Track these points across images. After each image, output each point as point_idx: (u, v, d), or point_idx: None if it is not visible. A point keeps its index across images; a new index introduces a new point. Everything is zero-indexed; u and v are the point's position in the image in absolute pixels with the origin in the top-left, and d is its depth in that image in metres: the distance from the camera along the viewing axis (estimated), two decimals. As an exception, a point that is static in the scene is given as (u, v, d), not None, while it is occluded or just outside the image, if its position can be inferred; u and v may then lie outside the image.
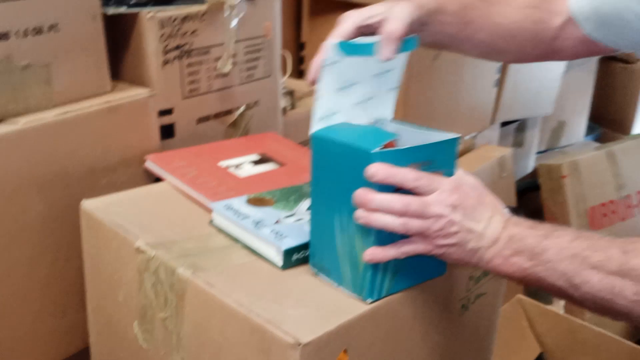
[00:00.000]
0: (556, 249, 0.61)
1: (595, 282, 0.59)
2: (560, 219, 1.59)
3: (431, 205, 0.61)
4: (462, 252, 0.63)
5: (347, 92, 0.67)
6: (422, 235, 0.62)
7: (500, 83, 1.57)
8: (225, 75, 1.02)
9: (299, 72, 1.50)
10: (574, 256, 0.60)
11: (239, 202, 0.77)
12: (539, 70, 1.69)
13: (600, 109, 2.09)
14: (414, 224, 0.61)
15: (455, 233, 0.62)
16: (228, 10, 0.98)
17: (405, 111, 1.33)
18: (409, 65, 1.45)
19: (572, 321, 1.39)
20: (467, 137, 1.55)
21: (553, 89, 1.77)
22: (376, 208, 0.60)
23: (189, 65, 0.97)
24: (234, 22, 0.99)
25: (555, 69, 1.74)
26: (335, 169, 0.64)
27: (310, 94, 1.26)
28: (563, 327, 1.41)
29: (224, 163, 0.91)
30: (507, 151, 1.57)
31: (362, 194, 0.61)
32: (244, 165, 0.91)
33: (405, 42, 0.67)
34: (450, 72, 1.41)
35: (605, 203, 1.63)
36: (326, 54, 0.64)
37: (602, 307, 0.60)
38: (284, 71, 1.23)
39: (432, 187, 0.61)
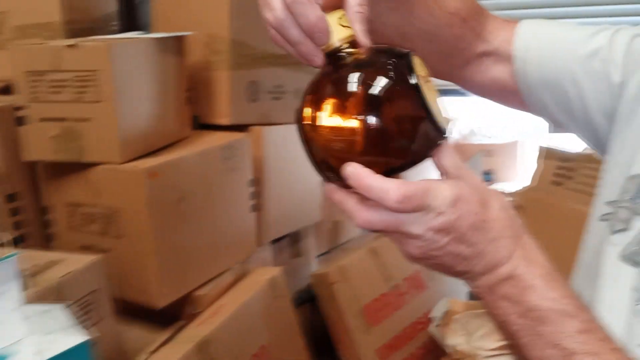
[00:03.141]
0: (555, 328, 0.52)
1: None
2: (338, 323, 1.66)
3: (408, 224, 0.51)
4: (449, 273, 0.56)
5: None
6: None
7: (257, 207, 1.63)
8: None
9: (45, 238, 1.44)
10: (569, 354, 0.51)
11: None
12: (298, 185, 1.78)
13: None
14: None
15: (438, 256, 0.54)
16: None
17: (160, 261, 1.32)
18: (152, 216, 1.41)
19: None
20: (235, 266, 1.57)
21: (316, 196, 1.88)
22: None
23: None
24: None
25: (312, 180, 1.85)
26: None
27: (50, 264, 1.21)
28: None
29: None
30: (276, 271, 1.62)
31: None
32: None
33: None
34: (198, 210, 1.43)
35: (377, 298, 1.73)
36: None
37: None
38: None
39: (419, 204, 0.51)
